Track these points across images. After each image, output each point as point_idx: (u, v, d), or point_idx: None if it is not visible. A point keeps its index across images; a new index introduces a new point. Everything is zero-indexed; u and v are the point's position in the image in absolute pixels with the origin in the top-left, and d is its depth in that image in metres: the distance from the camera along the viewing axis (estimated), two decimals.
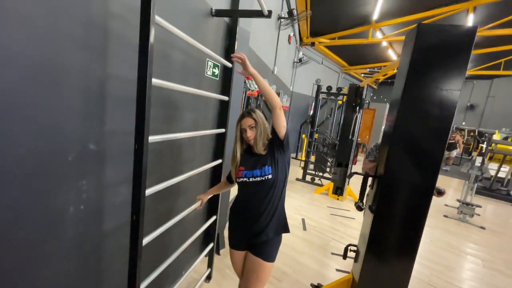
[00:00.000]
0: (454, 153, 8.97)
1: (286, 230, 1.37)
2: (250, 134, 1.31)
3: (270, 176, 1.27)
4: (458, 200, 4.37)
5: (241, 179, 1.32)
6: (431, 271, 2.67)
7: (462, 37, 1.41)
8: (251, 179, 1.29)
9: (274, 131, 1.31)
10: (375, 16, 6.02)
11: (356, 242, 2.19)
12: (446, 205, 4.88)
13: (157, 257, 1.59)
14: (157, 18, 0.98)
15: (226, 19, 1.94)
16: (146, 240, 1.15)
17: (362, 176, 1.96)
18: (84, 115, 0.99)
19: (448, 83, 1.46)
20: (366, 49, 8.54)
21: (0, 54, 0.71)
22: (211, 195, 1.70)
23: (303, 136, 7.34)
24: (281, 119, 1.25)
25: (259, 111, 1.36)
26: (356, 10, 6.04)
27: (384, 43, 7.76)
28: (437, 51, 1.46)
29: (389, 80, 12.24)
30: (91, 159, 1.05)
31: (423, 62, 1.50)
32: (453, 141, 8.59)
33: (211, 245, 2.08)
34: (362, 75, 11.58)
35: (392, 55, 8.70)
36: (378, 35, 6.91)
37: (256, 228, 1.31)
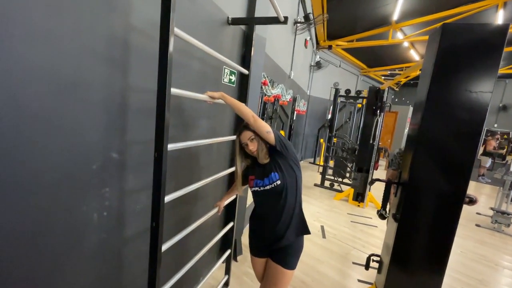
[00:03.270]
0: (488, 159, 7.87)
1: (307, 231, 1.37)
2: (252, 146, 1.30)
3: (278, 182, 1.27)
4: (492, 209, 4.06)
5: (254, 189, 1.35)
6: (463, 285, 2.48)
7: (492, 36, 1.33)
8: (261, 188, 1.31)
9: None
10: (395, 16, 5.83)
11: (378, 251, 2.09)
12: (478, 213, 4.55)
13: (176, 262, 1.61)
14: (176, 30, 1.01)
15: (243, 26, 1.97)
16: (165, 246, 1.17)
17: (384, 183, 1.88)
18: (107, 126, 1.03)
19: (478, 85, 1.37)
20: (386, 50, 8.28)
21: (28, 69, 0.76)
22: (228, 200, 1.71)
23: (321, 140, 7.21)
24: (260, 126, 1.24)
25: None
26: (375, 11, 5.89)
27: (406, 44, 7.48)
28: (464, 52, 1.38)
29: (412, 82, 11.75)
30: (113, 167, 1.09)
31: (449, 64, 1.43)
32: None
33: (228, 251, 2.08)
34: (383, 77, 11.23)
35: (414, 55, 8.37)
36: (399, 35, 6.67)
37: (276, 233, 1.31)
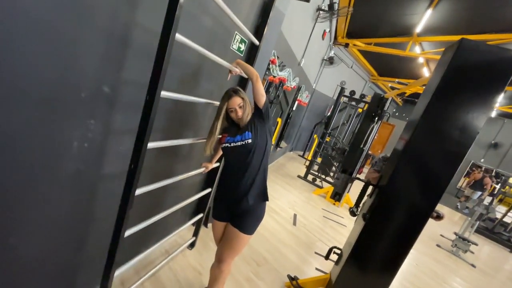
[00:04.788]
0: (478, 194, 7.73)
1: (266, 198, 1.43)
2: (240, 113, 1.36)
3: (249, 141, 1.33)
4: (455, 233, 4.26)
5: (224, 145, 1.40)
6: None
7: (505, 61, 1.33)
8: (232, 144, 1.36)
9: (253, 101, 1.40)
10: (419, 29, 5.72)
11: (341, 247, 2.18)
12: (441, 235, 4.78)
13: (147, 211, 1.64)
14: None
15: None
16: (139, 191, 1.18)
17: (363, 184, 1.93)
18: (104, 56, 1.00)
19: (477, 107, 1.39)
20: (400, 61, 8.19)
21: None
22: (216, 159, 1.77)
23: (315, 136, 7.25)
24: (259, 88, 1.36)
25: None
26: (401, 18, 5.75)
27: (421, 60, 7.42)
28: (475, 71, 1.38)
29: (416, 100, 11.79)
30: (102, 101, 1.07)
31: (456, 80, 1.43)
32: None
33: (200, 215, 2.13)
34: (390, 86, 11.19)
35: (426, 73, 8.33)
36: (417, 49, 6.59)
37: (237, 194, 1.36)
